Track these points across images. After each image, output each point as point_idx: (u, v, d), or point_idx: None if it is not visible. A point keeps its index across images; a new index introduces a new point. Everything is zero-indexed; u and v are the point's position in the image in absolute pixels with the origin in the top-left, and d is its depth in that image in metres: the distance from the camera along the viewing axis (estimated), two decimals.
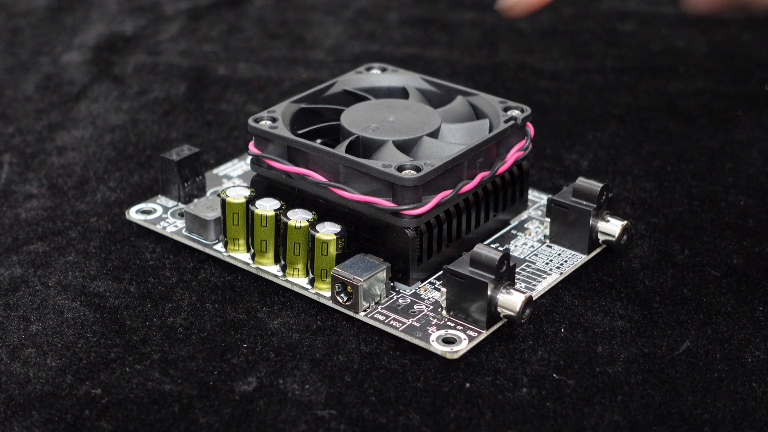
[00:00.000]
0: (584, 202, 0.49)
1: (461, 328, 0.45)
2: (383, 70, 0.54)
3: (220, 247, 0.50)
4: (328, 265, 0.47)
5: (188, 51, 0.71)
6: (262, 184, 0.50)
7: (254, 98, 0.66)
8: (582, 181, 0.50)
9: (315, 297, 0.47)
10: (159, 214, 0.53)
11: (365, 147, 0.49)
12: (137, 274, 0.49)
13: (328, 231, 0.47)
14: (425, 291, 0.47)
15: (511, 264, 0.45)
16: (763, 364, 0.44)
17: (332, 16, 0.77)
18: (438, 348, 0.44)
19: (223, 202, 0.49)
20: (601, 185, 0.49)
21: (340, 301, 0.46)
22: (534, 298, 0.47)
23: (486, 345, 0.45)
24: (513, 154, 0.50)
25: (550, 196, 0.51)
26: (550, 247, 0.50)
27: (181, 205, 0.53)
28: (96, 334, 0.45)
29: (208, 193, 0.54)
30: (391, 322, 0.45)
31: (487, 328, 0.45)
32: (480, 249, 0.44)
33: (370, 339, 0.45)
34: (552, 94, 0.65)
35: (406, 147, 0.49)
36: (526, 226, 0.52)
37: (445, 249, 0.48)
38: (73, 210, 0.54)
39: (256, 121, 0.49)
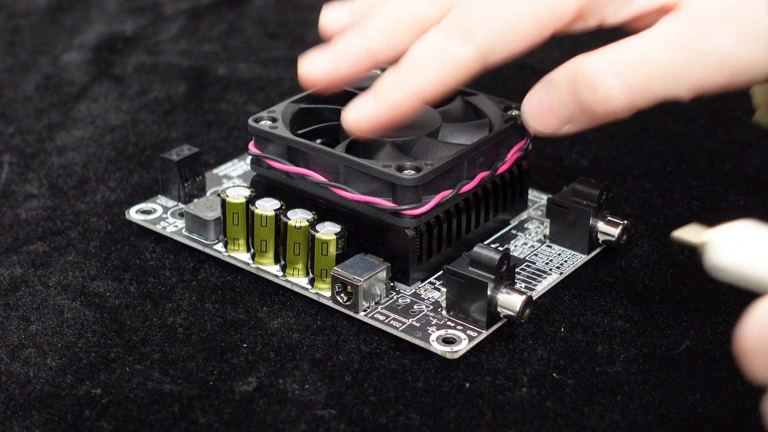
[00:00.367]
0: (584, 202, 0.49)
1: (461, 328, 0.45)
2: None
3: (220, 247, 0.50)
4: (328, 265, 0.47)
5: (188, 51, 0.71)
6: (262, 184, 0.50)
7: (254, 98, 0.66)
8: (582, 181, 0.50)
9: (315, 297, 0.47)
10: (159, 214, 0.53)
11: (365, 147, 0.49)
12: (137, 274, 0.49)
13: (328, 231, 0.47)
14: (425, 291, 0.47)
15: (511, 264, 0.45)
16: None
17: None
18: (438, 348, 0.44)
19: (223, 202, 0.49)
20: (601, 185, 0.49)
21: (340, 301, 0.46)
22: (534, 298, 0.47)
23: (486, 345, 0.45)
24: (513, 154, 0.50)
25: (550, 196, 0.51)
26: (550, 247, 0.50)
27: (181, 205, 0.53)
28: (96, 334, 0.45)
29: (208, 193, 0.54)
30: (391, 322, 0.45)
31: (487, 328, 0.45)
32: (480, 249, 0.44)
33: (370, 339, 0.45)
34: None
35: (405, 147, 0.49)
36: (526, 226, 0.52)
37: (445, 249, 0.48)
38: (73, 210, 0.54)
39: (256, 121, 0.49)
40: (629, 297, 0.48)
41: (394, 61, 0.46)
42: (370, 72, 0.48)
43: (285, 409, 0.41)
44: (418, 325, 0.45)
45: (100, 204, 0.54)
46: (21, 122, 0.62)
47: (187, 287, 0.48)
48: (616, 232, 0.49)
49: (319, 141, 0.50)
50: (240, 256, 0.49)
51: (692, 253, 0.48)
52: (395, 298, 0.47)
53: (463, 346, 0.44)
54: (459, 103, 0.52)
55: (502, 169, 0.49)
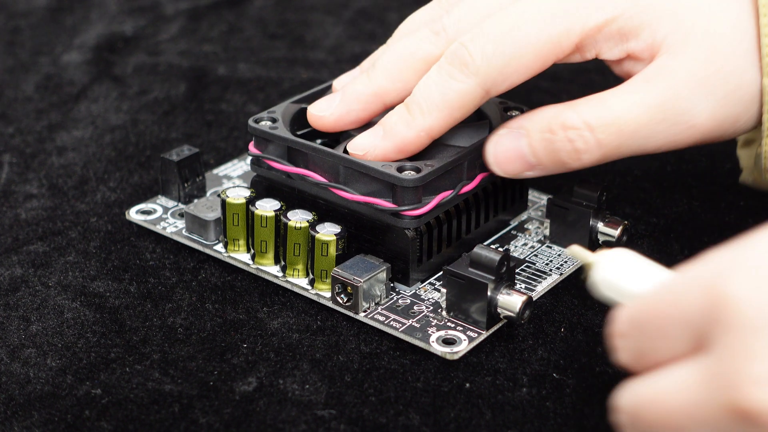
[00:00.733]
0: (584, 203, 0.49)
1: (461, 328, 0.45)
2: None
3: (220, 247, 0.50)
4: (328, 265, 0.47)
5: (188, 51, 0.71)
6: (262, 185, 0.50)
7: (254, 98, 0.66)
8: (582, 182, 0.50)
9: (315, 297, 0.47)
10: (159, 215, 0.53)
11: None
12: (137, 274, 0.49)
13: (328, 232, 0.47)
14: (425, 292, 0.47)
15: (511, 265, 0.45)
16: None
17: (332, 16, 0.77)
18: (438, 349, 0.44)
19: (223, 203, 0.49)
20: (601, 186, 0.49)
21: (340, 301, 0.46)
22: (534, 299, 0.47)
23: (486, 345, 0.45)
24: None
25: (550, 196, 0.51)
26: (550, 247, 0.50)
27: (181, 206, 0.53)
28: (96, 334, 0.46)
29: (208, 194, 0.54)
30: (391, 323, 0.45)
31: (487, 329, 0.45)
32: (480, 250, 0.44)
33: (370, 339, 0.45)
34: (552, 94, 0.65)
35: None
36: (526, 226, 0.52)
37: (445, 250, 0.48)
38: (73, 210, 0.54)
39: (256, 121, 0.49)
40: None
41: (402, 101, 0.47)
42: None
43: (285, 409, 0.42)
44: (418, 325, 0.45)
45: (100, 204, 0.54)
46: (21, 122, 0.62)
47: (187, 287, 0.48)
48: (616, 232, 0.49)
49: (319, 141, 0.50)
50: (240, 256, 0.49)
51: (692, 253, 0.48)
52: (395, 298, 0.47)
53: (463, 347, 0.44)
54: None
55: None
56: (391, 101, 0.48)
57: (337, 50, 0.72)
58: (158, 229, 0.52)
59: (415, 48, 0.47)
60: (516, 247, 0.51)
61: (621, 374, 0.43)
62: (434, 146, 0.48)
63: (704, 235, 0.52)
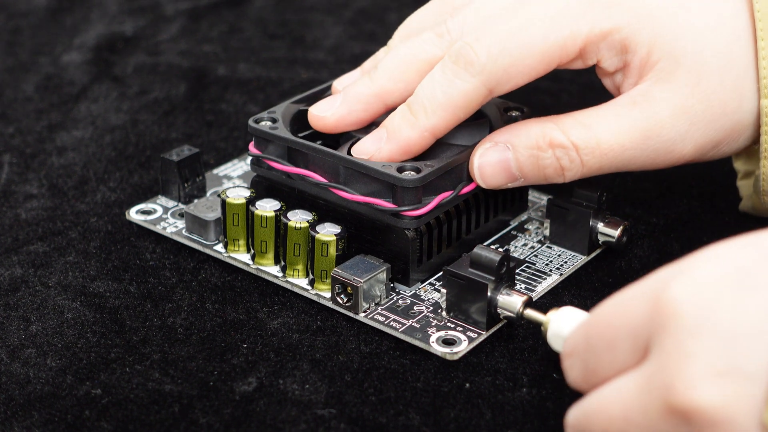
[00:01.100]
0: (584, 203, 0.49)
1: (461, 329, 0.45)
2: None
3: (220, 247, 0.50)
4: (328, 265, 0.47)
5: (188, 51, 0.71)
6: (262, 185, 0.50)
7: (254, 98, 0.66)
8: (582, 182, 0.49)
9: (315, 298, 0.47)
10: (159, 215, 0.53)
11: None
12: (137, 274, 0.49)
13: (328, 232, 0.47)
14: (425, 292, 0.47)
15: (511, 265, 0.45)
16: None
17: (332, 16, 0.77)
18: (438, 349, 0.44)
19: (223, 203, 0.49)
20: (601, 186, 0.49)
21: (340, 302, 0.46)
22: (534, 299, 0.47)
23: (486, 345, 0.45)
24: None
25: (550, 197, 0.51)
26: (550, 247, 0.50)
27: (181, 206, 0.53)
28: (96, 335, 0.46)
29: (208, 194, 0.54)
30: (391, 323, 0.45)
31: (487, 329, 0.45)
32: (480, 250, 0.44)
33: (370, 339, 0.45)
34: (552, 94, 0.65)
35: None
36: (526, 226, 0.52)
37: (445, 250, 0.48)
38: (73, 210, 0.54)
39: (256, 121, 0.49)
40: None
41: (403, 102, 0.48)
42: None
43: (285, 409, 0.42)
44: (418, 326, 0.45)
45: (100, 204, 0.54)
46: (21, 122, 0.62)
47: (187, 287, 0.48)
48: (616, 232, 0.49)
49: (319, 142, 0.50)
50: (240, 256, 0.49)
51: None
52: (395, 299, 0.47)
53: (463, 348, 0.44)
54: None
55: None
56: (392, 102, 0.48)
57: (337, 50, 0.72)
58: (158, 229, 0.52)
59: (419, 50, 0.48)
60: (516, 247, 0.51)
61: None
62: (434, 146, 0.48)
63: (704, 235, 0.52)
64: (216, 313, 0.47)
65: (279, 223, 0.48)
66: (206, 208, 0.51)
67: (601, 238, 0.50)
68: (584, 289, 0.48)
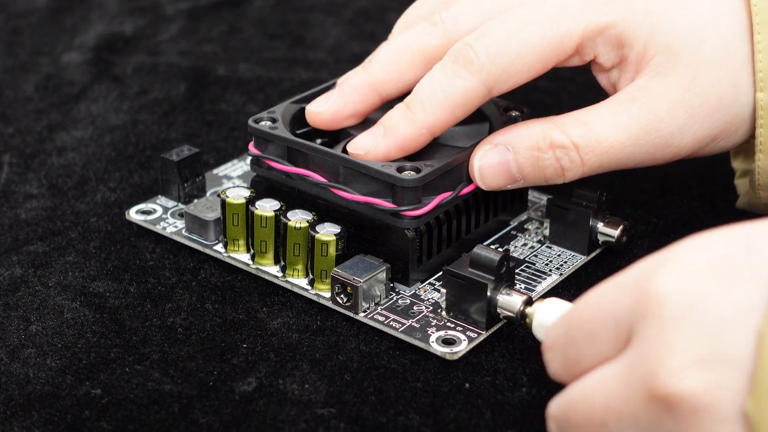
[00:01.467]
0: (584, 203, 0.49)
1: (461, 328, 0.45)
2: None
3: (220, 247, 0.50)
4: (328, 265, 0.47)
5: (188, 51, 0.71)
6: (262, 185, 0.50)
7: (254, 98, 0.66)
8: (582, 182, 0.49)
9: (315, 298, 0.47)
10: (159, 215, 0.53)
11: None
12: (137, 274, 0.49)
13: (327, 232, 0.47)
14: (425, 292, 0.47)
15: (511, 265, 0.45)
16: None
17: (332, 16, 0.77)
18: (438, 349, 0.44)
19: (223, 203, 0.49)
20: (600, 186, 0.49)
21: (340, 301, 0.46)
22: (534, 299, 0.47)
23: (486, 345, 0.45)
24: None
25: (549, 196, 0.51)
26: (550, 247, 0.50)
27: (181, 206, 0.53)
28: (96, 335, 0.46)
29: (208, 194, 0.54)
30: (391, 323, 0.45)
31: (487, 329, 0.45)
32: (480, 250, 0.44)
33: (370, 339, 0.45)
34: (552, 94, 0.65)
35: None
36: (525, 226, 0.52)
37: (445, 250, 0.48)
38: (73, 210, 0.54)
39: (256, 121, 0.49)
40: None
41: (398, 94, 0.48)
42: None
43: (285, 409, 0.42)
44: (417, 326, 0.45)
45: (100, 204, 0.54)
46: (21, 122, 0.62)
47: (187, 287, 0.48)
48: (615, 232, 0.49)
49: (318, 141, 0.50)
50: (240, 256, 0.49)
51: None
52: (395, 298, 0.47)
53: (462, 347, 0.44)
54: None
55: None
56: (387, 93, 0.48)
57: (337, 50, 0.72)
58: (158, 229, 0.52)
59: (413, 40, 0.48)
60: (516, 247, 0.51)
61: None
62: (434, 146, 0.48)
63: None
64: (216, 313, 0.47)
65: (279, 223, 0.48)
66: (206, 208, 0.51)
67: (600, 238, 0.50)
68: (584, 289, 0.48)
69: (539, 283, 0.48)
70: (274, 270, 0.49)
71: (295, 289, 0.48)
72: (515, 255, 0.50)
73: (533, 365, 0.44)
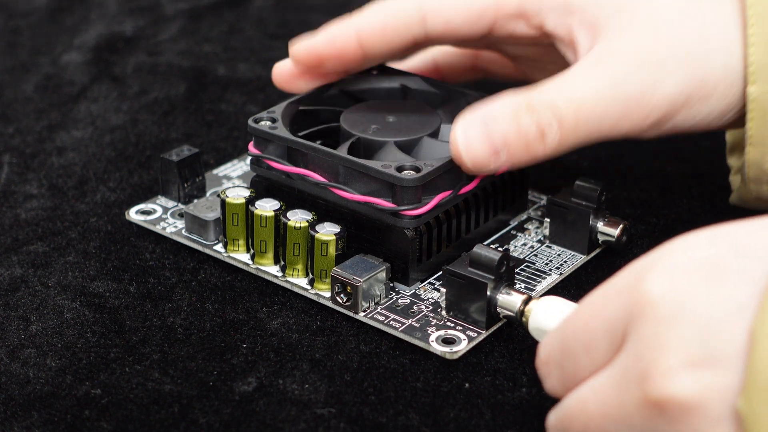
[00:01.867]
0: (584, 203, 0.49)
1: (461, 328, 0.45)
2: (383, 70, 0.54)
3: (219, 247, 0.50)
4: (328, 265, 0.47)
5: (188, 51, 0.71)
6: (262, 185, 0.50)
7: (254, 98, 0.66)
8: (582, 181, 0.50)
9: (314, 297, 0.47)
10: (159, 215, 0.53)
11: (366, 148, 0.49)
12: (137, 274, 0.49)
13: (327, 231, 0.47)
14: (425, 291, 0.47)
15: (511, 264, 0.45)
16: None
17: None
18: (438, 348, 0.44)
19: (223, 203, 0.49)
20: (600, 185, 0.49)
21: (340, 301, 0.46)
22: (533, 299, 0.47)
23: (485, 345, 0.45)
24: None
25: (549, 196, 0.51)
26: (550, 247, 0.50)
27: (180, 206, 0.53)
28: (96, 335, 0.46)
29: (207, 194, 0.54)
30: (391, 323, 0.45)
31: (487, 329, 0.45)
32: (479, 249, 0.44)
33: (370, 339, 0.45)
34: None
35: (407, 147, 0.49)
36: (525, 226, 0.52)
37: (445, 249, 0.48)
38: (73, 210, 0.54)
39: (256, 121, 0.49)
40: None
41: (379, 43, 0.49)
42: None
43: (285, 409, 0.42)
44: (417, 325, 0.45)
45: (100, 204, 0.54)
46: (21, 122, 0.62)
47: (187, 287, 0.48)
48: (615, 232, 0.49)
49: (318, 141, 0.50)
50: (240, 256, 0.49)
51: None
52: (395, 298, 0.47)
53: (462, 347, 0.44)
54: (460, 103, 0.52)
55: (501, 169, 0.49)
56: (369, 45, 0.50)
57: None
58: (158, 229, 0.52)
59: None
60: (516, 246, 0.51)
61: None
62: (434, 146, 0.48)
63: None
64: (216, 313, 0.47)
65: (279, 223, 0.48)
66: (206, 208, 0.51)
67: (600, 238, 0.50)
68: (584, 289, 0.48)
69: (539, 282, 0.48)
70: (273, 270, 0.49)
71: (295, 289, 0.48)
72: (515, 254, 0.50)
73: (533, 365, 0.44)
